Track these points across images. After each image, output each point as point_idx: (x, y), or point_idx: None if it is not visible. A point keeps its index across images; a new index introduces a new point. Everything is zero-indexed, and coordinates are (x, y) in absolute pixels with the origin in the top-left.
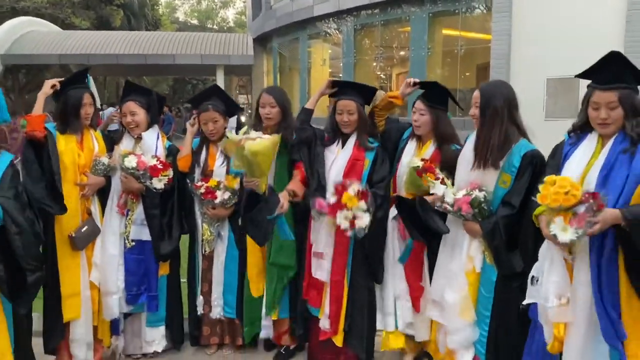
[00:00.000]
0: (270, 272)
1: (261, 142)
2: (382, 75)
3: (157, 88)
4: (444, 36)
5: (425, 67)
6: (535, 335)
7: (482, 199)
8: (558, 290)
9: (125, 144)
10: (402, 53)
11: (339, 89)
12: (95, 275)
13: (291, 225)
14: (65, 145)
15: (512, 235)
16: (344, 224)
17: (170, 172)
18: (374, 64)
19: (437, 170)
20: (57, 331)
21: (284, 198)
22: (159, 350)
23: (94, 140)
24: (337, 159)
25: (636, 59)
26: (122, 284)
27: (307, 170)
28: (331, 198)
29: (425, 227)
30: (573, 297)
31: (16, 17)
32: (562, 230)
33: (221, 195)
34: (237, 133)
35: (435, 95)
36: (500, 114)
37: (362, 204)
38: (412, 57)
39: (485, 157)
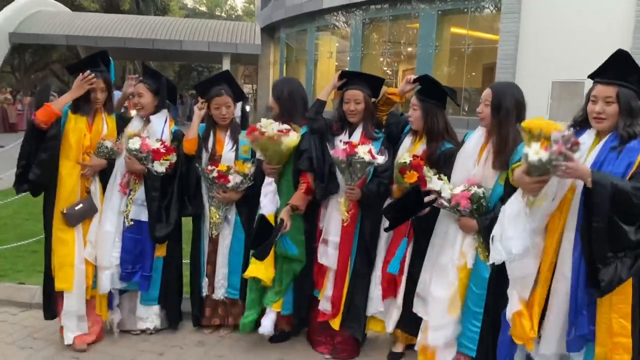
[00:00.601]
0: (280, 262)
1: (293, 138)
2: (388, 71)
3: (163, 73)
4: (452, 34)
5: (432, 65)
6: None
7: (482, 195)
8: (519, 243)
9: (135, 125)
10: (409, 49)
11: (347, 79)
12: (89, 251)
13: (300, 224)
14: (75, 125)
15: None
16: (367, 156)
17: (172, 157)
18: (381, 59)
19: (426, 168)
20: (52, 301)
21: (286, 213)
22: (151, 327)
23: (104, 124)
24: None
25: None
26: (117, 261)
27: (319, 158)
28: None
29: (403, 209)
30: (554, 288)
31: None
32: (535, 153)
33: (233, 180)
34: (241, 122)
35: (427, 90)
36: (510, 115)
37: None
38: (419, 54)
39: (500, 156)
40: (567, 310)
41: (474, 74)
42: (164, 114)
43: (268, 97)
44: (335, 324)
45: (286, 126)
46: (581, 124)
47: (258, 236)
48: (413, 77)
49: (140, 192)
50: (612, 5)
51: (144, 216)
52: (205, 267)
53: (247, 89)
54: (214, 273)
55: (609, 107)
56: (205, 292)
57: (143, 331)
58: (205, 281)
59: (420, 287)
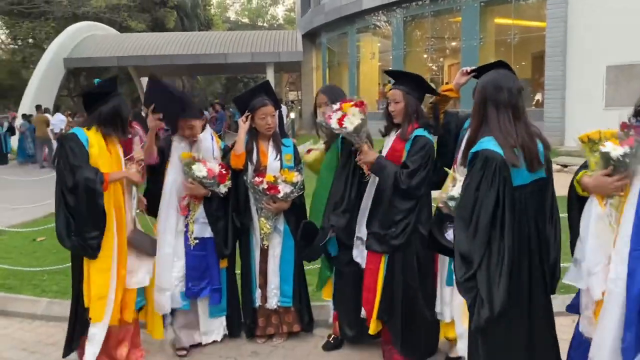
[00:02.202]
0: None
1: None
2: (433, 67)
3: (211, 87)
4: (497, 25)
5: (477, 57)
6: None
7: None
8: (600, 252)
9: (179, 146)
10: (453, 44)
11: (391, 78)
12: (137, 279)
13: None
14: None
15: None
16: (334, 124)
17: (230, 176)
18: (425, 55)
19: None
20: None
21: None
22: (218, 339)
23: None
24: (383, 150)
25: None
26: (177, 281)
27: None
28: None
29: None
30: (609, 289)
31: (77, 22)
32: (613, 149)
33: (283, 190)
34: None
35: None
36: (477, 111)
37: (356, 109)
38: (464, 48)
39: (465, 155)
40: (621, 315)
41: (523, 63)
42: (208, 130)
43: (312, 103)
44: (372, 328)
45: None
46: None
47: (305, 239)
48: (468, 68)
49: (200, 211)
50: None
51: (207, 233)
52: (257, 278)
53: (292, 96)
54: (265, 283)
55: None
56: (258, 302)
57: (198, 344)
58: (258, 292)
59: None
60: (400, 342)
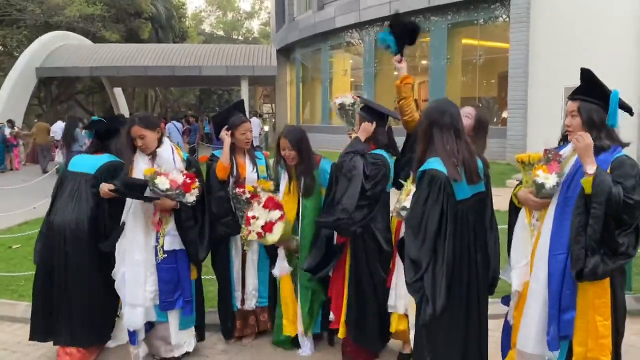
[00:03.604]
0: (304, 294)
1: (277, 234)
2: (399, 71)
3: (184, 98)
4: (463, 45)
5: (445, 76)
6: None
7: None
8: (521, 253)
9: (141, 163)
10: (422, 62)
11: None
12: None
13: None
14: None
15: None
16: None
17: (197, 183)
18: (395, 73)
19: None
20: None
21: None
22: (190, 350)
23: None
24: None
25: None
26: (152, 295)
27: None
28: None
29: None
30: (531, 287)
31: (50, 31)
32: (545, 179)
33: (264, 198)
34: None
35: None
36: (423, 135)
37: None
38: (432, 67)
39: (415, 174)
40: (542, 309)
41: (492, 81)
42: (167, 142)
43: (286, 116)
44: (341, 332)
45: (275, 215)
46: (566, 137)
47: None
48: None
49: (171, 224)
50: (619, 11)
51: (177, 245)
52: (236, 283)
53: (266, 108)
54: (243, 286)
55: (574, 120)
56: (238, 305)
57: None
58: (237, 295)
59: (401, 285)
60: (355, 332)
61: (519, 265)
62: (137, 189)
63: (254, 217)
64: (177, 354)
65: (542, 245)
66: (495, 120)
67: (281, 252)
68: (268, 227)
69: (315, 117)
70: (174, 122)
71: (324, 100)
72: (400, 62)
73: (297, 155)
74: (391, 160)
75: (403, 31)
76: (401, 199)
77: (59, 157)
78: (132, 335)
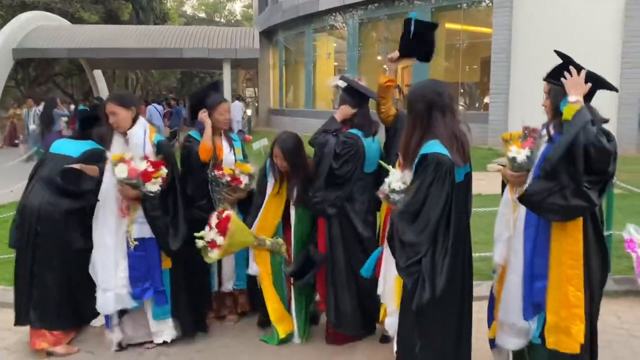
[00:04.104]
0: (299, 300)
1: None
2: (387, 69)
3: (166, 81)
4: (447, 30)
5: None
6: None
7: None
8: (504, 227)
9: (116, 145)
10: None
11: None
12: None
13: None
14: None
15: None
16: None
17: (163, 171)
18: (379, 57)
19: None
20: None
21: None
22: (168, 340)
23: None
24: None
25: (634, 52)
26: (122, 281)
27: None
28: None
29: None
30: (513, 247)
31: (26, 11)
32: (517, 153)
33: (244, 180)
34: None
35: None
36: (420, 118)
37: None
38: None
39: (406, 158)
40: (519, 282)
41: (475, 67)
42: (141, 125)
43: (269, 100)
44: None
45: (219, 240)
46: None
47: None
48: (394, 55)
49: (140, 212)
50: None
51: (146, 233)
52: (214, 265)
53: (249, 92)
54: (220, 269)
55: (547, 101)
56: (215, 287)
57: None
58: (215, 279)
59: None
60: (333, 313)
61: (502, 238)
62: (76, 182)
63: (210, 227)
64: (156, 340)
65: (519, 219)
66: (477, 105)
67: (251, 253)
68: (212, 244)
69: (298, 101)
70: (155, 105)
71: (307, 84)
72: (393, 61)
73: (289, 167)
74: (366, 140)
75: (419, 41)
76: (390, 181)
77: (29, 143)
78: (107, 319)
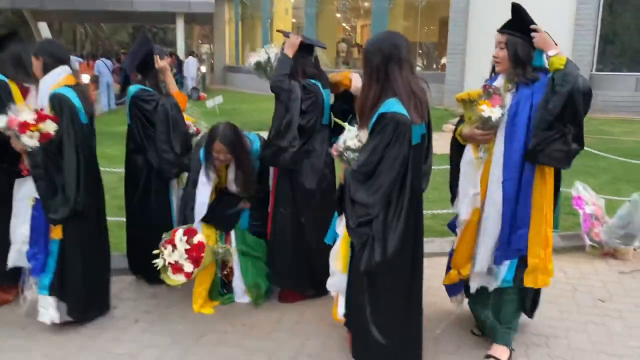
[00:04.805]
0: (243, 261)
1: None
2: (346, 27)
3: (117, 36)
4: None
5: (387, 19)
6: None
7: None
8: (470, 185)
9: (32, 95)
10: (365, 4)
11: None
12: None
13: None
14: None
15: None
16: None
17: (46, 126)
18: (338, 14)
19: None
20: None
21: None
22: (47, 322)
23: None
24: None
25: (585, 22)
26: (24, 238)
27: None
28: None
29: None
30: (487, 212)
31: None
32: (491, 112)
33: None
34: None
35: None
36: (377, 73)
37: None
38: (375, 9)
39: (362, 116)
40: (497, 231)
41: (432, 27)
42: (53, 75)
43: (225, 57)
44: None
45: (188, 268)
46: (494, 69)
47: None
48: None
49: None
50: None
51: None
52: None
53: (205, 49)
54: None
55: (501, 52)
56: None
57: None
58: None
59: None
60: (272, 268)
61: (467, 195)
62: None
63: (174, 247)
64: (38, 318)
65: (494, 172)
66: (434, 66)
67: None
68: (176, 267)
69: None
70: (104, 59)
71: (264, 41)
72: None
73: (233, 158)
74: (325, 91)
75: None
76: (345, 138)
77: None
78: (23, 275)
